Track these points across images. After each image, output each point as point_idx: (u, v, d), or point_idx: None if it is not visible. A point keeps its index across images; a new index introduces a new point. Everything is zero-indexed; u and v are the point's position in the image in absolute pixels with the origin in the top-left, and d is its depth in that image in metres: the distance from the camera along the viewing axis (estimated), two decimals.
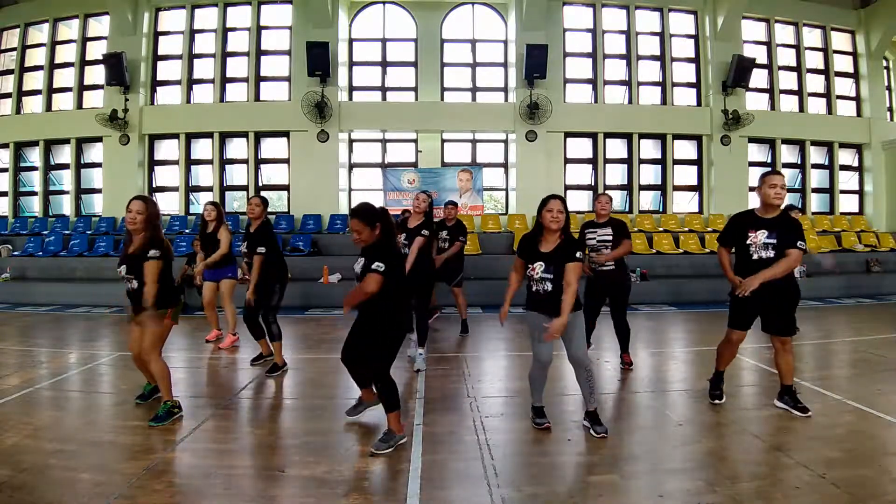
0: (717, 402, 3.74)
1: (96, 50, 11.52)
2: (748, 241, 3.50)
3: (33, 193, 11.97)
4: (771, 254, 3.43)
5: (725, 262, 3.63)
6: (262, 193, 10.71)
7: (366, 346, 3.16)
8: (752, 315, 3.59)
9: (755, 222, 3.53)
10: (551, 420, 3.44)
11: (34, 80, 11.98)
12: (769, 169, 3.67)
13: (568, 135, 11.69)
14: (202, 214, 5.88)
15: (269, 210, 5.18)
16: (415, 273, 4.63)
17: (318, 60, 10.58)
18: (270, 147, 11.78)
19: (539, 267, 3.17)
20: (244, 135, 11.57)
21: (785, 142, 12.22)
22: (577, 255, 3.12)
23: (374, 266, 2.96)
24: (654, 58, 11.98)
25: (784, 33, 12.50)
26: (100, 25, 11.83)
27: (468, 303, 6.80)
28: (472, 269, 8.39)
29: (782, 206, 3.57)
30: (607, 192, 4.68)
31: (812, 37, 12.63)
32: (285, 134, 11.47)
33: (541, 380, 3.36)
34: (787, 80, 12.40)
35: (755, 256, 3.47)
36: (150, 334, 3.43)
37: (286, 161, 11.56)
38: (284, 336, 4.80)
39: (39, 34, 12.08)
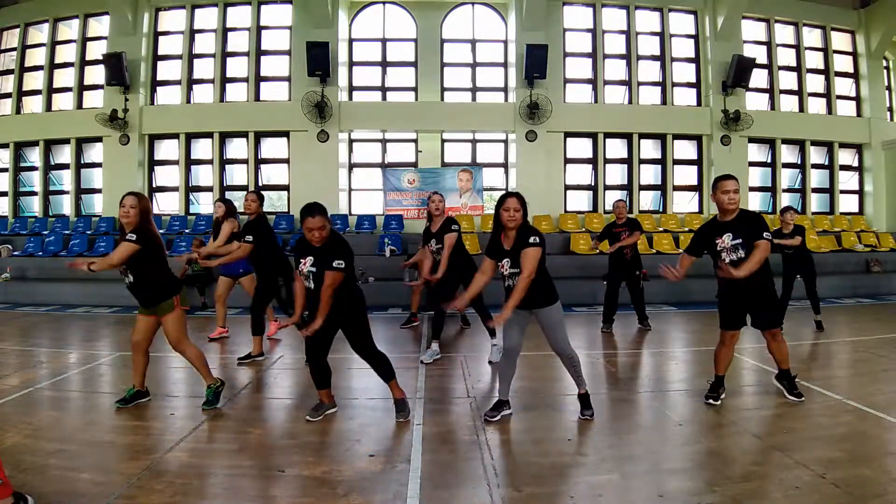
0: (710, 402, 3.74)
1: (96, 50, 11.51)
2: (718, 248, 3.59)
3: (33, 193, 11.96)
4: (742, 254, 3.55)
5: (683, 263, 3.70)
6: (262, 192, 10.77)
7: (360, 337, 3.46)
8: (740, 314, 3.69)
9: (718, 228, 3.63)
10: (552, 420, 3.44)
11: (34, 80, 11.96)
12: (723, 174, 3.72)
13: (568, 135, 11.69)
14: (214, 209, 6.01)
15: (270, 210, 5.24)
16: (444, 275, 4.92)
17: (318, 60, 10.57)
18: (270, 147, 11.78)
19: (507, 264, 3.30)
20: (244, 135, 11.56)
21: (785, 142, 12.22)
22: (531, 239, 3.18)
23: (335, 264, 3.21)
24: (654, 58, 11.97)
25: (784, 33, 12.50)
26: (100, 25, 11.82)
27: None
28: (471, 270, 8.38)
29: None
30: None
31: (812, 37, 12.62)
32: (285, 134, 11.46)
33: (508, 371, 3.49)
34: (787, 80, 12.40)
35: (727, 260, 3.57)
36: (172, 327, 3.61)
37: (286, 161, 11.55)
38: (285, 335, 4.83)
39: (39, 34, 12.07)
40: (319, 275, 3.27)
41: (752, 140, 11.93)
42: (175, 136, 11.56)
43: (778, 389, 3.90)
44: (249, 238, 4.83)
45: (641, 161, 11.86)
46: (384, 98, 11.82)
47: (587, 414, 3.46)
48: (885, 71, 12.89)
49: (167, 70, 11.74)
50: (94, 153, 11.70)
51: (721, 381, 3.81)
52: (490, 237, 3.44)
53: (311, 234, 3.26)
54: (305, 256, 3.35)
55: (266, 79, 11.69)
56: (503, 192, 11.76)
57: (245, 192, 5.32)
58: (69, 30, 11.99)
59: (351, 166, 11.82)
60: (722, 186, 3.60)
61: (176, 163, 11.62)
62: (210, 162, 11.61)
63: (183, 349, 3.70)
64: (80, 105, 11.67)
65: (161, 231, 4.75)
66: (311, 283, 3.33)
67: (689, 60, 12.04)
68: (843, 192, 12.67)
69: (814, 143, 12.34)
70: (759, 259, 3.45)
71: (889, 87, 13.09)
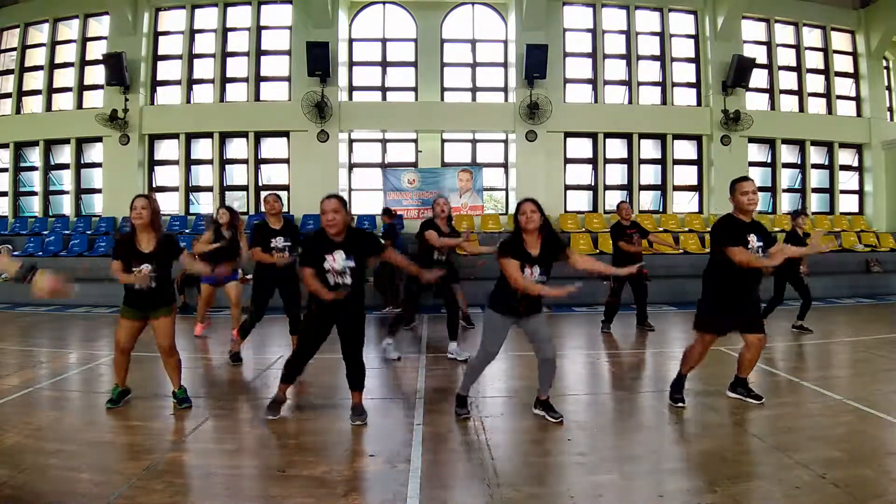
0: (680, 405, 3.67)
1: (96, 50, 11.51)
2: (749, 246, 3.51)
3: (33, 193, 11.96)
4: (762, 257, 3.54)
5: (752, 256, 3.45)
6: (262, 193, 10.73)
7: (358, 338, 3.42)
8: (732, 319, 3.62)
9: (746, 227, 3.57)
10: (551, 420, 3.44)
11: (34, 80, 11.96)
12: (741, 176, 3.70)
13: (568, 135, 11.69)
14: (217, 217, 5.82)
15: None
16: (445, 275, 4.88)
17: (318, 60, 10.57)
18: (270, 147, 11.78)
19: (535, 271, 3.22)
20: (244, 135, 11.56)
21: (785, 142, 12.22)
22: (566, 247, 3.29)
23: (382, 243, 3.29)
24: (654, 58, 11.97)
25: (784, 33, 12.50)
26: (100, 25, 11.82)
27: (469, 302, 6.99)
28: (471, 270, 8.41)
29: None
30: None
31: (812, 37, 12.62)
32: (285, 134, 11.46)
33: (479, 372, 3.53)
34: (787, 80, 12.39)
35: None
36: (170, 330, 3.65)
37: (286, 161, 11.56)
38: (284, 336, 4.84)
39: (39, 34, 12.07)
40: (360, 268, 3.27)
41: (752, 140, 11.92)
42: (175, 136, 11.56)
43: (745, 394, 3.79)
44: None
45: (641, 161, 11.86)
46: (384, 98, 11.82)
47: (557, 416, 3.38)
48: (885, 71, 12.89)
49: (167, 70, 11.74)
50: (94, 153, 11.70)
51: (683, 381, 3.75)
52: (507, 243, 3.29)
53: (326, 216, 3.18)
54: (331, 251, 3.23)
55: (266, 79, 11.69)
56: (503, 192, 11.89)
57: (265, 195, 5.09)
58: (69, 30, 11.98)
59: (351, 166, 11.82)
60: (741, 188, 3.54)
61: (176, 163, 11.62)
62: (210, 162, 11.61)
63: (174, 352, 3.69)
64: (80, 105, 11.66)
65: None
66: (349, 277, 3.23)
67: (689, 60, 12.04)
68: (843, 192, 12.67)
69: (814, 143, 12.33)
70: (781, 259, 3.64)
71: (889, 87, 13.08)
